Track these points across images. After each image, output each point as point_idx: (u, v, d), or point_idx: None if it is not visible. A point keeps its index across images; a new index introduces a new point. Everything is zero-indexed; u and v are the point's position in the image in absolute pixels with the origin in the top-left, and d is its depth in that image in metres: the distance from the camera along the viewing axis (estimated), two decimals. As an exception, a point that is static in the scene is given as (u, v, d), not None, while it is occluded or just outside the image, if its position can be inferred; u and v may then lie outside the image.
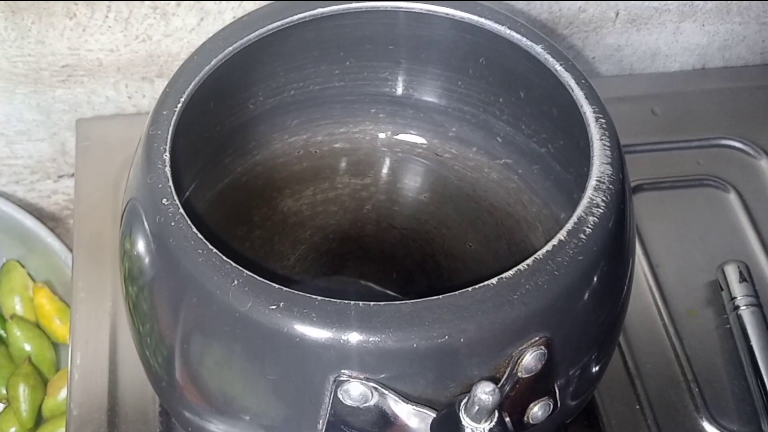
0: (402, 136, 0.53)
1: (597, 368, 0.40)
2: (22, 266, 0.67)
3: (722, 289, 0.54)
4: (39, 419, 0.64)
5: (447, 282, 0.51)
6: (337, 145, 0.53)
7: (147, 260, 0.38)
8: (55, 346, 0.66)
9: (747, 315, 0.52)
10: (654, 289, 0.55)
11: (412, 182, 0.53)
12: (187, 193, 0.49)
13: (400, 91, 0.51)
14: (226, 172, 0.51)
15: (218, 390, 0.38)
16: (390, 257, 0.52)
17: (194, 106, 0.43)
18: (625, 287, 0.40)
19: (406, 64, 0.50)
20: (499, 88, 0.48)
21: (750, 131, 0.62)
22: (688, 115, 0.63)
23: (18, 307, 0.66)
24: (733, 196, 0.59)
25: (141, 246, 0.38)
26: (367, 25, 0.47)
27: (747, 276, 0.53)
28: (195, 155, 0.48)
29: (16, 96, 0.60)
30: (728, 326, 0.53)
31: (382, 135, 0.53)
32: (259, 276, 0.47)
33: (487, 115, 0.50)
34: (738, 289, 0.53)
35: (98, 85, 0.60)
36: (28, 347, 0.64)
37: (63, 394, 0.62)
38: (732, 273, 0.53)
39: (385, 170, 0.53)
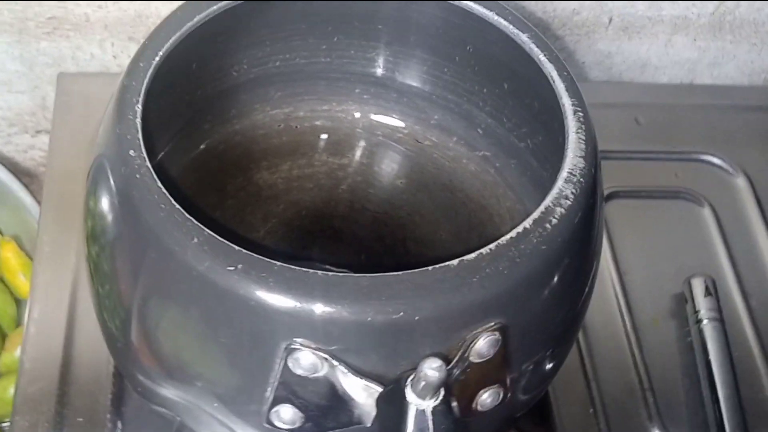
0: (384, 119, 0.52)
1: (551, 365, 0.40)
2: (-9, 218, 0.66)
3: (687, 302, 0.54)
4: (-6, 373, 0.63)
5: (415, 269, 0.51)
6: (318, 122, 0.53)
7: (110, 218, 0.37)
8: (18, 302, 0.66)
9: (708, 329, 0.52)
10: (620, 295, 0.55)
11: (390, 166, 0.53)
12: (161, 155, 0.48)
13: (386, 73, 0.51)
14: (204, 138, 0.51)
15: (172, 352, 0.37)
16: (360, 239, 0.52)
17: (175, 66, 0.43)
18: (588, 285, 0.40)
19: (394, 46, 0.49)
20: (484, 78, 0.48)
21: (730, 149, 0.62)
22: (671, 128, 0.63)
23: (-17, 259, 0.65)
24: (707, 211, 0.59)
25: (105, 203, 0.37)
26: (357, 1, 0.46)
27: (713, 290, 0.54)
28: (173, 117, 0.48)
29: (-1, 44, 0.59)
30: (689, 339, 0.53)
31: (364, 116, 0.53)
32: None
33: (470, 105, 0.50)
34: (702, 303, 0.53)
35: (84, 41, 0.60)
36: (-11, 300, 0.64)
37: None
38: (698, 286, 0.54)
39: (363, 152, 0.53)
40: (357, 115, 0.53)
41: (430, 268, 0.33)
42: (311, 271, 0.33)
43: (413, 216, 0.52)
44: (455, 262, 0.34)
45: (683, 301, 0.54)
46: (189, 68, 0.46)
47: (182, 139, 0.50)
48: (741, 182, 0.61)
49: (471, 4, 0.42)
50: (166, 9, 0.58)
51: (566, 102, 0.38)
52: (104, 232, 0.38)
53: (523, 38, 0.41)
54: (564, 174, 0.36)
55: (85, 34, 0.59)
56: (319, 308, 0.32)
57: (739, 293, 0.56)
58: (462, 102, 0.50)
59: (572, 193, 0.36)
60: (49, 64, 0.61)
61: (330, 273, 0.33)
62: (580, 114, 0.38)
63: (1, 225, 0.66)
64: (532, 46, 0.40)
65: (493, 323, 0.34)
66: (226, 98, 0.50)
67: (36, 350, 0.49)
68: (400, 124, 0.52)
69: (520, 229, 0.34)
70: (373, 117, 0.52)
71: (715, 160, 0.62)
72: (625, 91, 0.66)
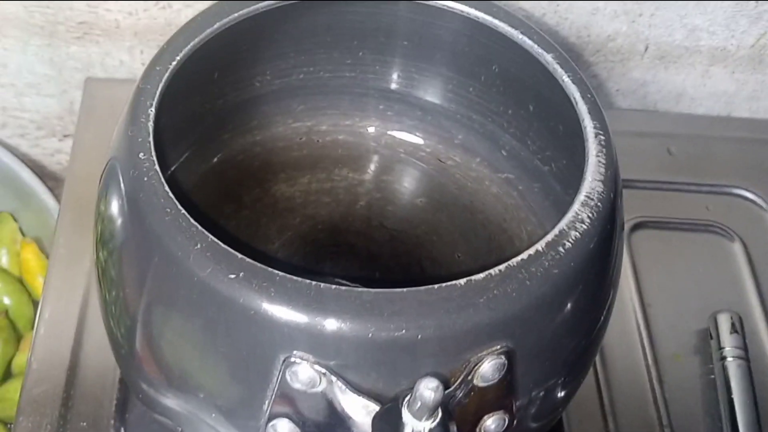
0: (407, 136, 0.52)
1: (562, 393, 0.39)
2: (15, 220, 0.66)
3: (712, 338, 0.52)
4: (8, 374, 0.63)
5: (429, 288, 0.50)
6: (340, 137, 0.52)
7: (119, 222, 0.37)
8: (35, 303, 0.66)
9: (733, 367, 0.50)
10: (642, 327, 0.53)
11: (411, 185, 0.52)
12: (179, 162, 0.48)
13: (410, 90, 0.50)
14: (223, 147, 0.50)
15: (174, 361, 0.37)
16: (376, 256, 0.51)
17: (195, 73, 0.43)
18: (603, 314, 0.38)
19: (420, 63, 0.49)
20: (510, 98, 0.47)
21: (765, 185, 0.61)
22: (704, 160, 0.61)
23: (4, 260, 0.65)
24: (737, 246, 0.57)
25: (114, 207, 0.37)
26: (383, 16, 0.46)
27: (739, 328, 0.52)
28: (192, 124, 0.48)
29: (29, 47, 0.60)
30: (712, 376, 0.51)
31: (386, 133, 0.52)
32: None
33: (495, 126, 0.49)
34: (728, 340, 0.51)
35: (113, 47, 0.60)
36: (7, 300, 0.64)
37: (35, 352, 0.61)
38: (724, 323, 0.52)
39: (384, 169, 0.52)
40: (380, 131, 0.52)
41: (435, 286, 0.32)
42: (314, 282, 0.32)
43: (431, 235, 0.51)
44: (462, 281, 0.33)
45: (708, 337, 0.53)
46: (210, 76, 0.46)
47: (201, 146, 0.49)
48: (774, 218, 0.59)
49: (497, 22, 0.41)
50: (195, 18, 0.58)
51: (588, 124, 0.37)
52: (113, 236, 0.37)
53: (548, 58, 0.40)
54: (581, 197, 0.35)
55: (115, 41, 0.59)
56: (319, 321, 0.31)
57: (767, 332, 0.54)
58: (486, 122, 0.49)
59: (589, 217, 0.35)
60: (78, 68, 0.61)
61: (333, 286, 0.32)
62: (602, 137, 0.37)
63: (23, 227, 0.66)
64: (557, 66, 0.39)
65: (499, 346, 0.33)
66: (248, 108, 0.50)
67: (44, 352, 0.48)
68: (423, 142, 0.51)
69: (531, 251, 0.33)
70: (396, 134, 0.52)
71: (748, 195, 0.60)
72: (659, 121, 0.65)
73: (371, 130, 0.52)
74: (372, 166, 0.52)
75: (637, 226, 0.57)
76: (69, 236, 0.53)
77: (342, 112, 0.52)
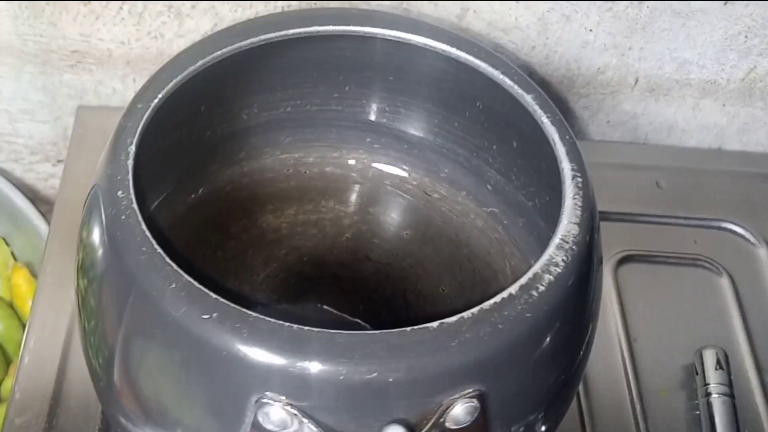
0: (393, 170, 0.52)
1: (542, 429, 0.39)
2: (7, 244, 0.66)
3: (697, 374, 0.52)
4: (-3, 399, 0.63)
5: (413, 322, 0.50)
6: (327, 169, 0.53)
7: (99, 252, 0.37)
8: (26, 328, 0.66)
9: (717, 404, 0.50)
10: (628, 362, 0.53)
11: (397, 217, 0.52)
12: (167, 192, 0.48)
13: (396, 124, 0.51)
14: (211, 179, 0.51)
15: (151, 396, 0.37)
16: (360, 289, 0.51)
17: (181, 106, 0.43)
18: (580, 354, 0.38)
19: (405, 97, 0.49)
20: (494, 134, 0.47)
21: (754, 219, 0.61)
22: (693, 193, 0.61)
23: (-5, 284, 0.65)
24: (725, 281, 0.57)
25: (95, 236, 0.37)
26: (368, 52, 0.46)
27: (724, 364, 0.52)
28: (180, 156, 0.48)
29: (23, 74, 0.60)
30: (697, 412, 0.51)
31: (374, 165, 0.52)
32: (225, 290, 0.46)
33: (480, 160, 0.49)
34: (713, 376, 0.51)
35: (106, 75, 0.60)
36: (-3, 325, 0.64)
37: (24, 377, 0.61)
38: (709, 358, 0.52)
39: (371, 201, 0.53)
40: (367, 164, 0.52)
41: (408, 329, 0.33)
42: (286, 324, 0.32)
43: (416, 269, 0.51)
44: (435, 324, 0.33)
45: (693, 372, 0.52)
46: (197, 109, 0.47)
47: (189, 177, 0.50)
48: (763, 253, 0.59)
49: (477, 62, 0.41)
50: (187, 48, 0.59)
51: (566, 166, 0.38)
52: (93, 264, 0.38)
53: (528, 99, 0.40)
54: (556, 240, 0.35)
55: (108, 69, 0.60)
56: (291, 363, 0.32)
57: (754, 368, 0.54)
58: (472, 157, 0.49)
59: (563, 260, 0.35)
60: (71, 95, 0.62)
61: (306, 328, 0.32)
62: (579, 179, 0.37)
63: (15, 251, 0.67)
64: (536, 107, 0.40)
65: (471, 390, 0.33)
66: (236, 140, 0.50)
67: (28, 380, 0.48)
68: (409, 175, 0.52)
69: (505, 294, 0.34)
70: (383, 166, 0.52)
71: (737, 229, 0.60)
72: (648, 154, 0.65)
73: (358, 162, 0.52)
74: (358, 199, 0.52)
75: (624, 260, 0.57)
76: (57, 263, 0.53)
77: (329, 145, 0.52)
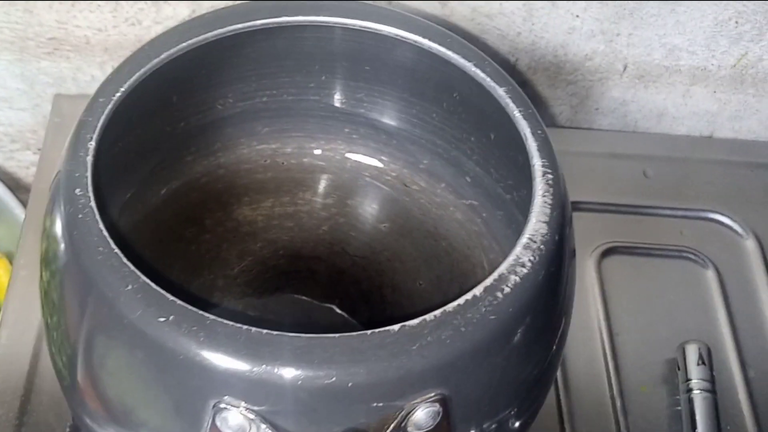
0: (372, 161, 0.51)
1: (515, 425, 0.38)
2: (-13, 233, 0.66)
3: (679, 369, 0.51)
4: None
5: (389, 317, 0.50)
6: (305, 160, 0.52)
7: (60, 247, 0.36)
8: (8, 317, 0.65)
9: (698, 399, 0.49)
10: (609, 357, 0.52)
11: (375, 209, 0.52)
12: (139, 185, 0.47)
13: (374, 114, 0.50)
14: (186, 170, 0.50)
15: (113, 397, 0.36)
16: (336, 283, 0.51)
17: (151, 98, 0.42)
18: (552, 350, 0.38)
19: (382, 87, 0.48)
20: (471, 126, 0.46)
21: (742, 209, 0.59)
22: (681, 183, 0.60)
23: (-25, 274, 0.65)
24: (711, 273, 0.56)
25: (57, 229, 0.37)
26: (343, 41, 0.45)
27: (706, 359, 0.51)
28: (153, 147, 0.47)
29: (0, 62, 0.59)
30: (678, 408, 0.50)
31: (352, 156, 0.51)
32: (198, 284, 0.45)
33: (459, 152, 0.48)
34: (694, 372, 0.50)
35: (84, 62, 0.59)
36: (-23, 315, 0.63)
37: None
38: (692, 353, 0.51)
39: (349, 193, 0.52)
40: (345, 154, 0.51)
41: (369, 332, 0.32)
42: (244, 327, 0.32)
43: (393, 262, 0.50)
44: (396, 327, 0.32)
45: (675, 367, 0.52)
46: (169, 100, 0.46)
47: (164, 169, 0.49)
48: (750, 245, 0.58)
49: (450, 53, 0.40)
50: (165, 35, 0.58)
51: (536, 162, 0.37)
52: (56, 257, 0.37)
53: (500, 92, 0.39)
54: (524, 240, 0.34)
55: (86, 56, 0.59)
56: (249, 367, 0.31)
57: (738, 363, 0.53)
58: (450, 148, 0.48)
59: (530, 260, 0.34)
60: (49, 83, 0.61)
61: (264, 331, 0.32)
62: (550, 176, 0.36)
63: (-3, 240, 0.66)
64: (508, 101, 0.39)
65: (433, 394, 0.32)
66: (211, 131, 0.49)
67: None
68: (388, 166, 0.51)
69: (469, 296, 0.33)
70: (361, 158, 0.51)
71: (725, 220, 0.59)
72: (636, 142, 0.64)
73: (336, 153, 0.51)
74: (336, 190, 0.52)
75: (608, 252, 0.56)
76: (30, 257, 0.52)
77: (307, 135, 0.51)
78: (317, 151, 0.51)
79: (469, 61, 0.40)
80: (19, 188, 0.68)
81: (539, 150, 0.37)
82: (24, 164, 0.68)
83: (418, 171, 0.50)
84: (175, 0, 0.56)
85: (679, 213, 0.59)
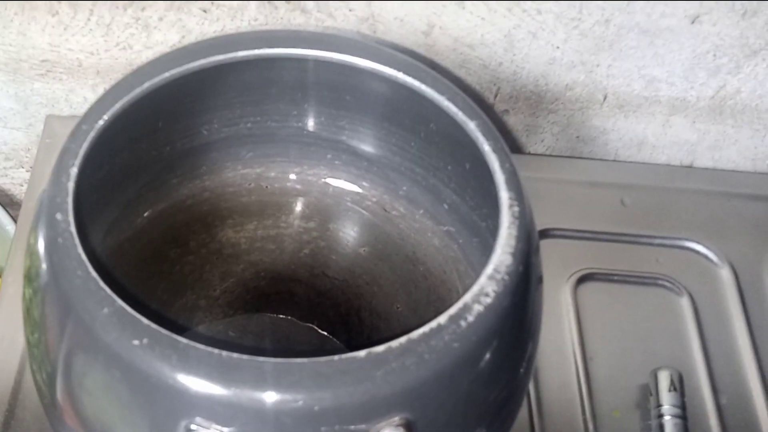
0: (353, 187, 0.52)
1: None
2: (-21, 248, 0.67)
3: (651, 394, 0.52)
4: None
5: (366, 340, 0.51)
6: (288, 184, 0.53)
7: (41, 267, 0.37)
8: (-3, 332, 0.66)
9: (669, 426, 0.51)
10: (583, 381, 0.53)
11: (355, 234, 0.53)
12: (124, 207, 0.49)
13: (355, 142, 0.51)
14: (172, 192, 0.51)
15: (89, 416, 0.37)
16: (316, 305, 0.52)
17: (136, 124, 0.44)
18: (519, 373, 0.39)
19: (363, 116, 0.49)
20: (448, 155, 0.47)
21: (718, 239, 0.61)
22: (658, 211, 0.62)
23: (-34, 288, 0.66)
24: (685, 301, 0.58)
25: (39, 248, 0.38)
26: (322, 74, 0.46)
27: (678, 385, 0.52)
28: (139, 170, 0.48)
29: (-6, 82, 0.61)
30: (649, 433, 0.51)
31: (334, 182, 0.53)
32: (181, 304, 0.46)
33: (436, 180, 0.49)
34: (666, 398, 0.52)
35: (77, 84, 0.61)
36: (-33, 329, 0.64)
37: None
38: (663, 380, 0.52)
39: (330, 217, 0.53)
40: (327, 180, 0.52)
41: (336, 357, 0.33)
42: (215, 351, 0.33)
43: (372, 286, 0.52)
44: (363, 353, 0.33)
45: (648, 393, 0.53)
46: (155, 125, 0.47)
47: (150, 191, 0.50)
48: (725, 274, 0.59)
49: (424, 87, 0.41)
50: (155, 60, 0.59)
51: (503, 195, 0.38)
52: (38, 275, 0.38)
53: (471, 126, 0.40)
54: (488, 271, 0.36)
55: (78, 78, 0.60)
56: (218, 390, 0.32)
57: (710, 389, 0.54)
58: (428, 176, 0.50)
59: (494, 290, 0.35)
60: (42, 103, 0.62)
61: (235, 355, 0.33)
62: (516, 209, 0.37)
63: (-12, 256, 0.67)
64: (479, 134, 0.40)
65: (397, 418, 0.33)
66: (196, 155, 0.50)
67: (-16, 393, 0.49)
68: (369, 192, 0.52)
69: (434, 324, 0.34)
70: (343, 183, 0.52)
71: (700, 248, 0.60)
72: (615, 171, 0.65)
73: (318, 178, 0.52)
74: (318, 215, 0.53)
75: (584, 278, 0.57)
76: (19, 274, 0.53)
77: (291, 160, 0.52)
78: (300, 177, 0.53)
79: (442, 95, 0.41)
80: (12, 204, 0.69)
81: (506, 183, 0.38)
82: (17, 181, 0.69)
83: (397, 197, 0.52)
84: (165, 26, 0.57)
85: (656, 241, 0.60)
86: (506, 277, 0.35)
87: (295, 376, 0.32)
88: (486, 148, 0.39)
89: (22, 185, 0.70)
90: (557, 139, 0.67)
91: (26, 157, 0.67)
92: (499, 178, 0.38)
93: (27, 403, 0.49)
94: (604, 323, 0.56)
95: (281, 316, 0.53)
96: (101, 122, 0.39)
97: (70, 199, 0.36)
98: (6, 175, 0.69)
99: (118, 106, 0.40)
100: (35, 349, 0.39)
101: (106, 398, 0.35)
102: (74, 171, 0.37)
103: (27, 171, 0.68)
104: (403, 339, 0.33)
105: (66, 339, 0.36)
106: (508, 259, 0.36)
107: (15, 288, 0.53)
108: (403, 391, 0.33)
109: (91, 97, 0.62)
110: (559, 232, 0.59)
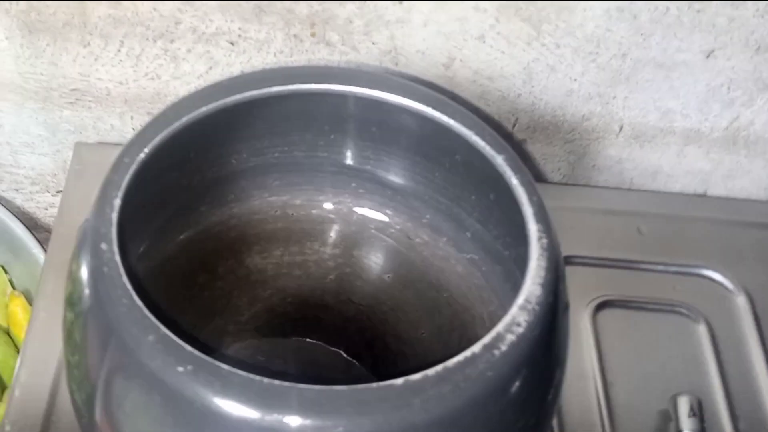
0: (377, 215, 0.53)
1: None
2: (6, 272, 0.68)
3: (671, 420, 0.53)
4: (-9, 424, 0.65)
5: (391, 365, 0.52)
6: (314, 212, 0.54)
7: (84, 293, 0.39)
8: (22, 355, 0.67)
9: (689, 451, 0.51)
10: (603, 407, 0.54)
11: (380, 261, 0.54)
12: (156, 233, 0.50)
13: (380, 171, 0.52)
14: (201, 220, 0.52)
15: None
16: (341, 330, 0.53)
17: (171, 155, 0.45)
18: (548, 400, 0.40)
19: (388, 147, 0.51)
20: (472, 186, 0.49)
21: (734, 266, 0.62)
22: (674, 239, 0.63)
23: (-8, 311, 0.67)
24: (702, 328, 0.59)
25: (82, 275, 0.39)
26: (350, 107, 0.48)
27: (697, 411, 0.53)
28: (171, 198, 0.50)
29: (24, 110, 0.62)
30: (669, 459, 0.52)
31: (359, 210, 0.54)
32: (210, 329, 0.47)
33: (460, 209, 0.51)
34: (686, 423, 0.52)
35: (104, 112, 0.62)
36: (-7, 352, 0.66)
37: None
38: (683, 405, 0.53)
39: (355, 244, 0.54)
40: (353, 208, 0.54)
41: (374, 385, 0.34)
42: (257, 378, 0.34)
43: (396, 312, 0.53)
44: (400, 381, 0.34)
45: (668, 418, 0.54)
46: (187, 156, 0.48)
47: (180, 218, 0.51)
48: (741, 301, 0.60)
49: (451, 122, 0.43)
50: (183, 90, 0.60)
51: (532, 227, 0.39)
52: (80, 300, 0.39)
53: (499, 160, 0.41)
54: (519, 301, 0.37)
55: (106, 107, 0.62)
56: (260, 416, 0.33)
57: (728, 415, 0.55)
58: (452, 205, 0.51)
59: (525, 320, 0.36)
60: (71, 131, 0.64)
61: (277, 382, 0.34)
62: (545, 241, 0.39)
63: (14, 279, 0.69)
64: (507, 168, 0.41)
65: (433, 444, 0.34)
66: (225, 184, 0.52)
67: (17, 414, 0.50)
68: (393, 220, 0.53)
69: (468, 353, 0.35)
70: (367, 211, 0.53)
71: (717, 276, 0.61)
72: (631, 199, 0.66)
73: (343, 206, 0.54)
74: (343, 241, 0.54)
75: (602, 305, 0.59)
76: (50, 297, 0.55)
77: (316, 188, 0.54)
78: (326, 204, 0.54)
79: (470, 129, 0.43)
80: (37, 228, 0.70)
81: (535, 215, 0.39)
82: (43, 205, 0.70)
83: (421, 225, 0.53)
84: (192, 57, 0.59)
85: (673, 269, 0.61)
86: (537, 307, 0.37)
87: (336, 403, 0.33)
88: (514, 181, 0.41)
89: (47, 209, 0.71)
90: (573, 168, 0.68)
91: (52, 182, 0.68)
92: (528, 210, 0.40)
93: (60, 425, 0.50)
94: (624, 349, 0.57)
95: (307, 340, 0.54)
96: (142, 155, 0.40)
97: (114, 230, 0.38)
98: (32, 199, 0.70)
99: (157, 140, 0.41)
100: (75, 370, 0.40)
101: (145, 420, 0.36)
102: (117, 203, 0.39)
103: (53, 195, 0.69)
104: (439, 367, 0.34)
105: (107, 362, 0.37)
106: (537, 290, 0.37)
107: (47, 313, 0.54)
108: (439, 419, 0.34)
109: (119, 124, 0.63)
110: (577, 260, 0.60)
